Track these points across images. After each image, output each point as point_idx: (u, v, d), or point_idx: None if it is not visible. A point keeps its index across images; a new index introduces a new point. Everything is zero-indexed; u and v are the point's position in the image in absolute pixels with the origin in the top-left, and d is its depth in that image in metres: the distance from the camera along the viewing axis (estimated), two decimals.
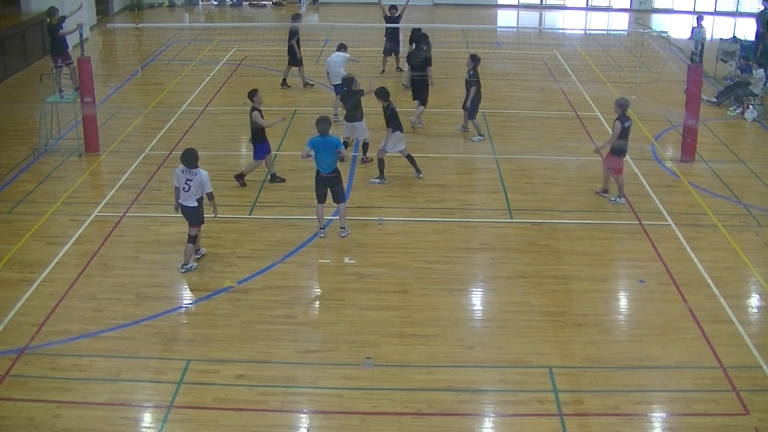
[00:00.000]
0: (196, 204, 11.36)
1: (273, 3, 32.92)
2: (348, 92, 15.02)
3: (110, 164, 15.39)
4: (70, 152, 15.73)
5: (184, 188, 11.30)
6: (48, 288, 11.09)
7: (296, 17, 20.94)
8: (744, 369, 9.56)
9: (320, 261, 11.97)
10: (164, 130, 17.18)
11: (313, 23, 29.99)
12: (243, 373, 9.37)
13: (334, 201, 12.49)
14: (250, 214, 13.35)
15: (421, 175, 14.57)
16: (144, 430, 8.61)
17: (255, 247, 12.26)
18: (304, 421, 8.75)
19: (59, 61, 18.87)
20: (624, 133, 13.63)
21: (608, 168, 13.92)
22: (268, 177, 14.52)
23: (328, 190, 12.39)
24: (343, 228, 12.56)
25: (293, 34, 19.79)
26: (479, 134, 16.85)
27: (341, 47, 18.13)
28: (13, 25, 22.26)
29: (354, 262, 11.91)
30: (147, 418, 8.76)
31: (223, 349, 9.80)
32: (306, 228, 12.80)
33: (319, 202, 12.50)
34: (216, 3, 33.20)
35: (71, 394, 8.98)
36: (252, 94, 14.19)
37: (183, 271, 11.50)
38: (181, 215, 11.58)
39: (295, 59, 19.95)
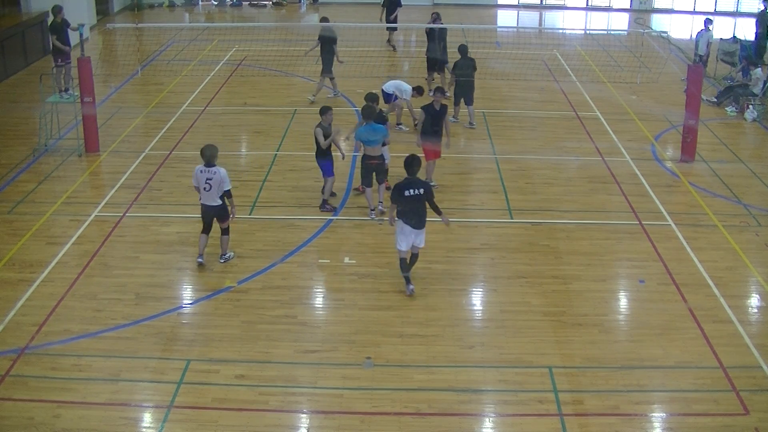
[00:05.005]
0: (220, 202, 11.35)
1: (273, 3, 32.93)
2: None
3: (110, 164, 15.39)
4: (70, 152, 15.73)
5: (205, 188, 11.25)
6: (48, 288, 11.09)
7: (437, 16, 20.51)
8: (744, 369, 9.55)
9: (320, 261, 11.96)
10: (164, 130, 17.18)
11: (313, 23, 29.99)
12: (243, 373, 9.37)
13: (377, 182, 13.16)
14: (250, 214, 13.35)
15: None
16: (144, 430, 8.61)
17: (255, 247, 12.26)
18: (304, 421, 8.75)
19: (59, 60, 18.86)
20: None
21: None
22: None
23: (374, 173, 13.00)
24: (381, 202, 13.17)
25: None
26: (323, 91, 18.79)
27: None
28: (13, 25, 22.24)
29: (354, 262, 11.91)
30: (147, 418, 8.76)
31: (223, 349, 9.80)
32: (306, 228, 12.80)
33: (368, 186, 13.06)
34: (216, 3, 33.20)
35: (71, 394, 8.98)
36: (323, 112, 13.16)
37: (222, 261, 11.69)
38: (202, 215, 11.57)
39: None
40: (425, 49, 19.95)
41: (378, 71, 20.89)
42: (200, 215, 11.57)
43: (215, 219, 11.52)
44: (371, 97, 13.86)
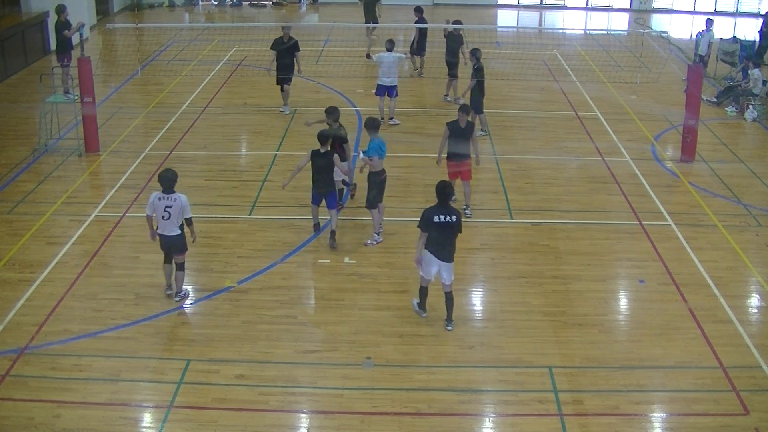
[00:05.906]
0: (179, 232, 10.40)
1: (273, 3, 32.92)
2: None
3: (110, 164, 15.39)
4: (70, 152, 15.73)
5: (163, 216, 10.27)
6: (48, 288, 11.09)
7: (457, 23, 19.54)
8: (744, 369, 9.56)
9: (320, 261, 11.96)
10: (164, 130, 17.18)
11: (313, 23, 30.01)
12: (243, 373, 9.37)
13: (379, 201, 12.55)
14: (250, 214, 13.36)
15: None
16: (144, 430, 8.61)
17: (255, 247, 12.26)
18: (304, 421, 8.75)
19: (65, 60, 18.85)
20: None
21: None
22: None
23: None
24: (380, 224, 12.59)
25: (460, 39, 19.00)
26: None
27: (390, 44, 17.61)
28: (13, 25, 22.25)
29: (354, 262, 11.91)
30: (147, 418, 8.76)
31: (223, 349, 9.80)
32: (306, 228, 12.79)
33: (379, 201, 12.42)
34: (216, 3, 33.20)
35: (71, 394, 8.98)
36: (324, 139, 11.95)
37: (177, 299, 10.72)
38: (160, 245, 10.61)
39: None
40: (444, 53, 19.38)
41: (376, 71, 20.85)
42: (160, 244, 10.60)
43: (172, 251, 10.55)
44: (332, 111, 12.79)
